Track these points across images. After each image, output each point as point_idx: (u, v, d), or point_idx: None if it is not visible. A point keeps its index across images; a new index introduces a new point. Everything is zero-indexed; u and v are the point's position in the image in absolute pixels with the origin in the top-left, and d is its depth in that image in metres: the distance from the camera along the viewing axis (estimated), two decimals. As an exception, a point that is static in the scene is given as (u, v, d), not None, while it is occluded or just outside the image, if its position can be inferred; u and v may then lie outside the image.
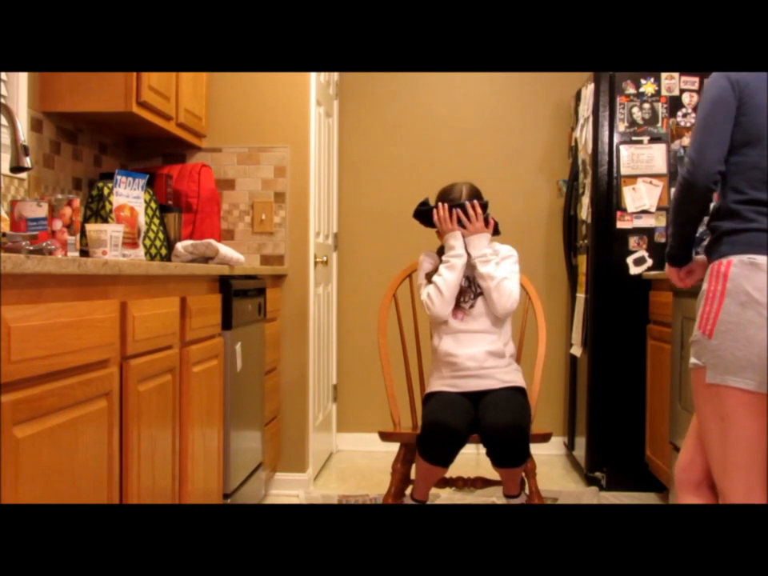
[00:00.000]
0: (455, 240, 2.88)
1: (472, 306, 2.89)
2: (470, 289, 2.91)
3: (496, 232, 2.96)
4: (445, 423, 2.61)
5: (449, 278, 2.85)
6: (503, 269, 2.90)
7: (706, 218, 2.04)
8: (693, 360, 1.88)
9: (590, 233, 3.95)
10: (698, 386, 1.88)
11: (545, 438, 2.76)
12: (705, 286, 1.88)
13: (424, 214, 2.94)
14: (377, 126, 4.75)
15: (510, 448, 2.59)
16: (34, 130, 2.86)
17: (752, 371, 1.78)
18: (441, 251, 2.98)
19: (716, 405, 1.83)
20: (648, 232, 3.83)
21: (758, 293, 1.77)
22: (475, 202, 2.89)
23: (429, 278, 2.94)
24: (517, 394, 2.79)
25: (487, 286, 2.85)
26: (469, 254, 2.88)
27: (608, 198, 3.87)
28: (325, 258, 4.10)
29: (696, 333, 1.87)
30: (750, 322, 1.77)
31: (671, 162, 3.82)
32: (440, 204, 2.91)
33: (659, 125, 3.83)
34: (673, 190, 3.79)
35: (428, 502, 2.86)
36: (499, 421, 2.59)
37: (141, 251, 2.77)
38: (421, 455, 2.63)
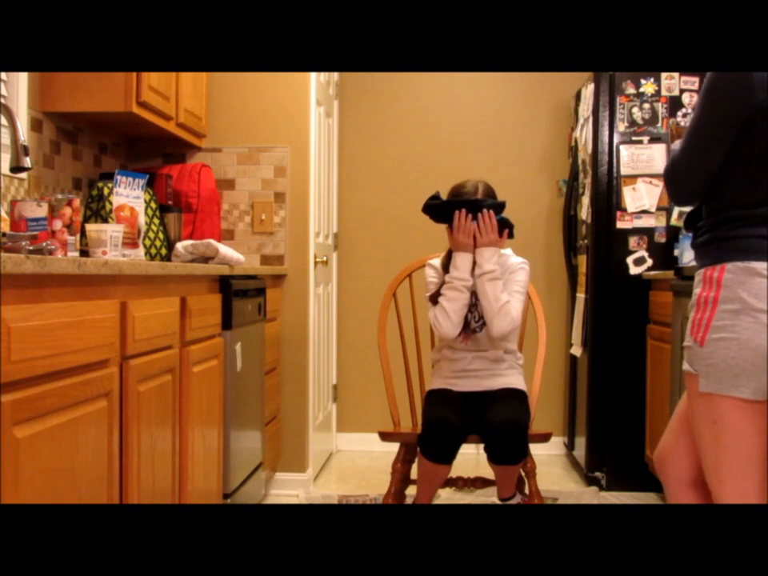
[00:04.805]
0: (462, 261, 2.74)
1: (476, 332, 2.82)
2: (477, 310, 2.80)
3: (510, 235, 2.79)
4: (443, 419, 2.62)
5: (455, 302, 2.73)
6: (510, 286, 2.77)
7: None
8: (685, 366, 1.86)
9: (590, 233, 3.95)
10: (690, 390, 1.86)
11: (545, 437, 2.77)
12: (696, 292, 1.84)
13: (435, 209, 2.77)
14: (377, 126, 4.75)
15: (508, 444, 2.58)
16: (34, 130, 2.86)
17: (746, 378, 1.73)
18: (449, 256, 2.88)
19: (708, 409, 1.79)
20: (648, 232, 3.83)
21: (754, 298, 1.71)
22: (491, 212, 2.70)
23: (434, 299, 2.81)
24: (517, 395, 2.80)
25: (490, 308, 2.71)
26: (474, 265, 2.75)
27: (608, 198, 3.87)
28: (325, 258, 4.10)
29: (688, 339, 1.83)
30: (743, 328, 1.71)
31: (671, 162, 3.82)
32: (459, 212, 2.72)
33: (659, 125, 3.83)
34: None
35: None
36: (498, 416, 2.60)
37: (141, 251, 2.77)
38: (422, 454, 2.63)
